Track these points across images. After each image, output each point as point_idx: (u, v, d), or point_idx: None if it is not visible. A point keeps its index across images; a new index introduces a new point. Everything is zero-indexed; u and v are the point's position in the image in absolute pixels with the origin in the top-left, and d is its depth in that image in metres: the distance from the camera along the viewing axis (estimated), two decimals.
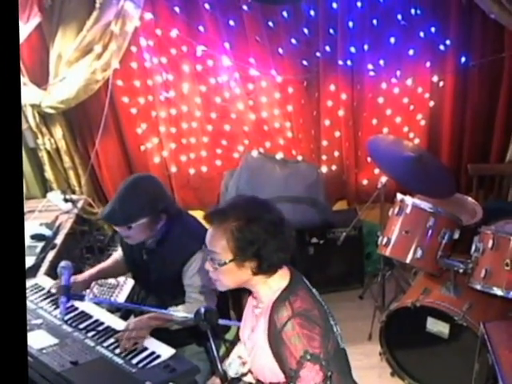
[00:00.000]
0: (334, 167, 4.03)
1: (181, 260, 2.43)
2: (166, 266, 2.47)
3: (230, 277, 1.81)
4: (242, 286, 1.87)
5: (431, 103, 3.81)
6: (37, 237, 3.16)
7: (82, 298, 2.46)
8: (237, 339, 2.68)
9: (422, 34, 3.54)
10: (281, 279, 1.84)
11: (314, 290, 1.89)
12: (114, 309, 2.75)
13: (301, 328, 1.73)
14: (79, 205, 3.60)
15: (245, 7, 3.45)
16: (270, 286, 1.84)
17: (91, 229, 3.59)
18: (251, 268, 1.78)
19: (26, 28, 3.20)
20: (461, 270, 2.87)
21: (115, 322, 2.42)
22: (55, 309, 2.46)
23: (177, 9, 3.46)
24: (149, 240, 2.52)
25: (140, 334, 2.29)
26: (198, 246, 2.35)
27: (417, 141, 3.87)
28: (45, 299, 2.56)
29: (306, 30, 3.56)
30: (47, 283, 2.68)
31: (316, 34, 3.57)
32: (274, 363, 1.79)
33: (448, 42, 3.56)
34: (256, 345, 1.87)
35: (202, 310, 1.98)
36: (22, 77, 3.39)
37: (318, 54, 3.62)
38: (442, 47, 3.59)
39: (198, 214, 2.98)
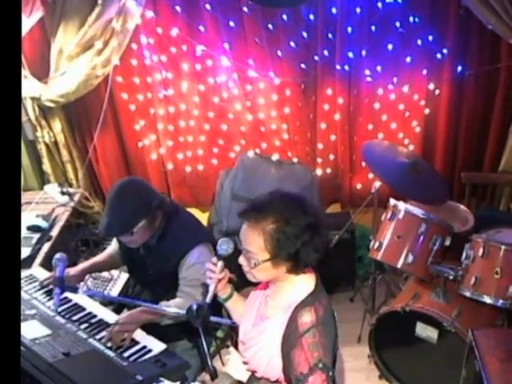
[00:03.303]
0: (328, 170, 4.05)
1: (177, 255, 2.44)
2: (162, 261, 2.49)
3: (263, 273, 1.82)
4: (271, 280, 1.88)
5: (427, 110, 3.83)
6: (33, 228, 3.18)
7: (75, 291, 2.48)
8: (228, 337, 2.71)
9: (419, 42, 3.57)
10: (308, 281, 1.86)
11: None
12: (107, 302, 2.76)
13: (321, 337, 1.75)
14: (76, 198, 3.62)
15: (245, 9, 3.48)
16: (297, 286, 1.85)
17: (87, 222, 3.63)
18: (286, 267, 1.79)
19: (29, 22, 3.22)
20: (451, 277, 2.88)
21: (108, 315, 2.44)
22: (49, 300, 2.48)
23: (178, 8, 3.49)
24: None
25: (129, 328, 2.30)
26: (195, 241, 2.38)
27: (411, 147, 3.89)
28: (39, 290, 2.57)
29: (305, 34, 3.58)
30: (42, 274, 2.70)
31: (315, 38, 3.60)
32: (278, 359, 1.81)
33: (445, 50, 3.59)
34: (262, 336, 1.88)
35: (194, 306, 1.98)
36: (22, 70, 3.41)
37: (316, 57, 3.65)
38: (438, 56, 3.61)
39: (193, 212, 3.00)
